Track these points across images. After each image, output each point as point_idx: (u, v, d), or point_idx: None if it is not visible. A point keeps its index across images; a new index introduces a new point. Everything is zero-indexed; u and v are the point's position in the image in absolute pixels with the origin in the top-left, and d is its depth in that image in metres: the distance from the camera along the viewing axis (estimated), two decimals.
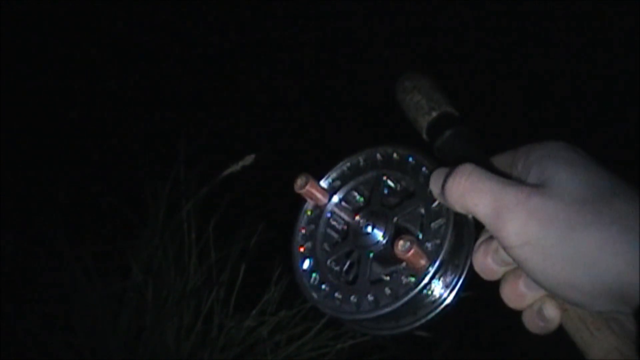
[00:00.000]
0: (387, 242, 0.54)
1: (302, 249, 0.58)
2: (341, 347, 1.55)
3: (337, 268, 0.57)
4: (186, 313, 1.56)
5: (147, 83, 2.18)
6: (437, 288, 0.52)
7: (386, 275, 0.54)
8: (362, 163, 0.59)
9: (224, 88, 2.21)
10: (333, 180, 0.60)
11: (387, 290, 0.52)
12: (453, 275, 0.52)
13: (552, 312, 0.50)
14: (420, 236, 0.53)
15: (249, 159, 1.34)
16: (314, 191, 0.58)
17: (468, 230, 0.53)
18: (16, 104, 2.04)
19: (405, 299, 0.50)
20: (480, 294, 0.57)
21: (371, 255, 0.55)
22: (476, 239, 0.53)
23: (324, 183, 0.60)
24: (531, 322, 0.51)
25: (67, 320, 1.56)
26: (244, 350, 1.57)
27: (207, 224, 1.56)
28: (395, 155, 0.57)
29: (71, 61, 2.19)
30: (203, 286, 1.58)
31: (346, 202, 0.59)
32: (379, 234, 0.54)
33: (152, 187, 1.62)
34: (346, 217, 0.58)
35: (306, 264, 0.57)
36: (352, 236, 0.56)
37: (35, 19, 2.20)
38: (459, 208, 0.50)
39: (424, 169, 0.55)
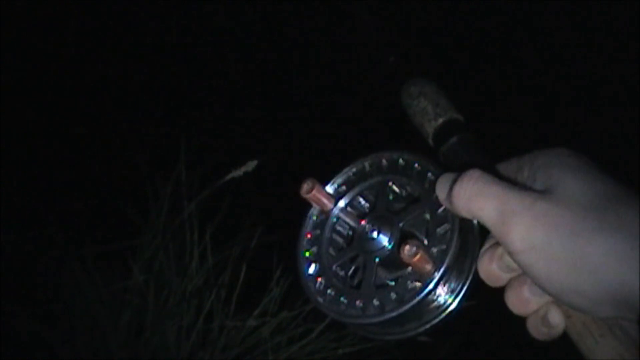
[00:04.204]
0: (392, 247, 0.54)
1: (307, 254, 0.59)
2: (342, 350, 1.55)
3: (342, 273, 0.57)
4: (187, 313, 1.56)
5: (150, 84, 2.18)
6: (442, 293, 0.52)
7: (391, 280, 0.55)
8: (367, 168, 0.60)
9: (229, 90, 2.21)
10: (339, 186, 0.60)
11: (393, 295, 0.52)
12: (458, 281, 0.53)
13: (556, 319, 0.50)
14: (426, 241, 0.53)
15: (251, 165, 1.34)
16: (319, 196, 0.58)
17: (473, 236, 0.53)
18: (18, 103, 2.04)
19: (411, 303, 0.51)
20: (483, 298, 0.57)
21: (377, 260, 0.55)
22: (481, 245, 0.53)
23: (329, 188, 0.60)
24: (535, 329, 0.51)
25: (68, 320, 1.56)
26: (245, 351, 1.58)
27: (209, 225, 1.57)
28: (400, 160, 0.58)
29: (74, 61, 2.19)
30: (204, 286, 1.58)
31: (352, 207, 0.60)
32: (384, 239, 0.55)
33: (154, 188, 1.62)
34: (352, 222, 0.58)
35: (312, 269, 0.58)
36: (358, 241, 0.57)
37: (37, 18, 2.20)
38: (465, 213, 0.50)
39: (429, 174, 0.55)
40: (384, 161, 0.59)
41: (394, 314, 0.51)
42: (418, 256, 0.49)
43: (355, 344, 1.55)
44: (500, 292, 0.53)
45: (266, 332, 1.55)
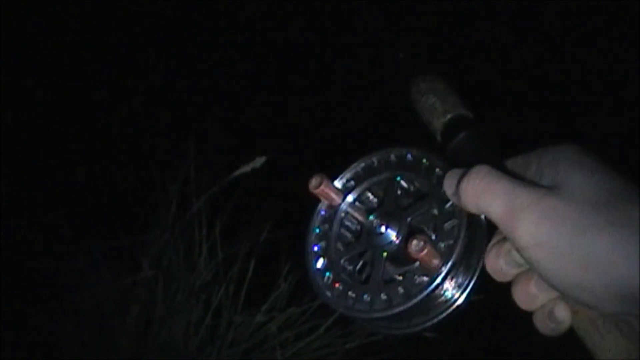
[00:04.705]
0: (400, 242, 0.54)
1: (316, 248, 0.59)
2: (350, 346, 1.56)
3: (350, 267, 0.58)
4: (195, 308, 1.57)
5: (160, 81, 2.19)
6: (450, 288, 0.52)
7: (399, 275, 0.55)
8: (376, 164, 0.60)
9: (237, 87, 2.22)
10: (347, 181, 0.61)
11: (400, 290, 0.52)
12: (465, 276, 0.53)
13: (563, 314, 0.50)
14: (434, 236, 0.54)
15: (259, 161, 1.34)
16: (328, 191, 0.59)
17: (481, 232, 0.53)
18: (27, 99, 2.05)
19: (418, 298, 0.51)
20: (489, 293, 0.57)
21: (384, 255, 0.55)
22: (489, 241, 0.54)
23: (338, 183, 0.61)
24: (542, 324, 0.51)
25: (76, 314, 1.57)
26: (253, 346, 1.58)
27: (218, 220, 1.57)
28: (409, 156, 0.58)
29: (83, 58, 2.19)
30: (212, 282, 1.59)
31: (360, 202, 0.60)
32: (392, 234, 0.55)
33: (163, 183, 1.63)
34: (360, 217, 0.59)
35: (320, 263, 0.58)
36: (366, 236, 0.57)
37: (41, 15, 2.21)
38: (472, 208, 0.50)
39: (437, 170, 0.56)
40: (393, 157, 0.59)
41: (402, 308, 0.51)
42: (425, 251, 0.50)
43: (362, 339, 1.56)
44: (507, 287, 0.53)
45: (274, 328, 1.56)
